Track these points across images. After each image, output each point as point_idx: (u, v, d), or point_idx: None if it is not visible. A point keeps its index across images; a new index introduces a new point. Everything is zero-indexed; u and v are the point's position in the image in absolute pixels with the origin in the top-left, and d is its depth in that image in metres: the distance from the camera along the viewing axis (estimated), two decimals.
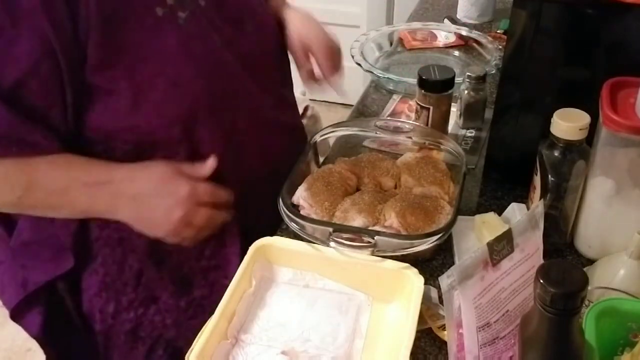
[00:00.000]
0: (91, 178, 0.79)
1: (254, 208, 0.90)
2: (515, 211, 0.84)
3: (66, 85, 0.74)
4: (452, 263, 0.82)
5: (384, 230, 0.80)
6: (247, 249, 0.90)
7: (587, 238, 0.81)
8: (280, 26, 1.01)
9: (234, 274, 0.89)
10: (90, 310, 0.90)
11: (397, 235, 0.78)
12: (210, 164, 0.83)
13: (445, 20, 1.53)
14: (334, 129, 0.97)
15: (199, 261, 0.90)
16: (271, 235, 0.80)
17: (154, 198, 0.80)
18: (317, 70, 1.03)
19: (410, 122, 0.99)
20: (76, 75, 0.74)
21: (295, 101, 1.07)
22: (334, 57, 1.02)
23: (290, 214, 0.79)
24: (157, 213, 0.80)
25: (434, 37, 1.45)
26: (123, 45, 0.74)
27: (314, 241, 0.77)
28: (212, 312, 0.76)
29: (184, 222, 0.80)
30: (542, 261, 0.62)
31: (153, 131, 0.80)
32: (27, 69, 0.71)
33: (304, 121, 2.07)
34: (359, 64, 1.28)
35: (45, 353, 0.95)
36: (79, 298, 0.91)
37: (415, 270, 0.72)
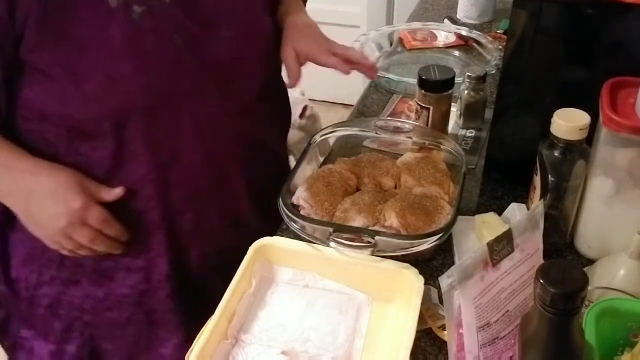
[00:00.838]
0: None
1: (192, 209, 0.90)
2: (515, 211, 0.84)
3: None
4: (452, 263, 0.82)
5: (384, 230, 0.80)
6: (178, 253, 0.90)
7: (587, 238, 0.81)
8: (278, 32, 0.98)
9: (159, 277, 0.90)
10: (17, 276, 0.92)
11: (397, 235, 0.77)
12: (116, 192, 0.83)
13: (445, 20, 1.53)
14: (334, 129, 0.97)
15: (123, 257, 0.89)
16: (272, 235, 0.80)
17: (46, 199, 0.80)
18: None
19: (410, 122, 0.99)
20: (8, 52, 0.73)
21: (274, 114, 1.02)
22: (331, 48, 0.97)
23: (290, 214, 0.79)
24: (43, 214, 0.81)
25: (434, 37, 1.45)
26: (64, 32, 0.73)
27: (314, 241, 0.77)
28: (131, 311, 0.76)
29: (64, 233, 0.81)
30: (542, 261, 0.62)
31: (84, 121, 0.79)
32: None
33: (303, 121, 2.07)
34: None
35: None
36: (9, 261, 0.92)
37: (415, 270, 0.72)
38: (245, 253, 0.96)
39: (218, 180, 0.90)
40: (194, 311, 0.95)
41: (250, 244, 0.93)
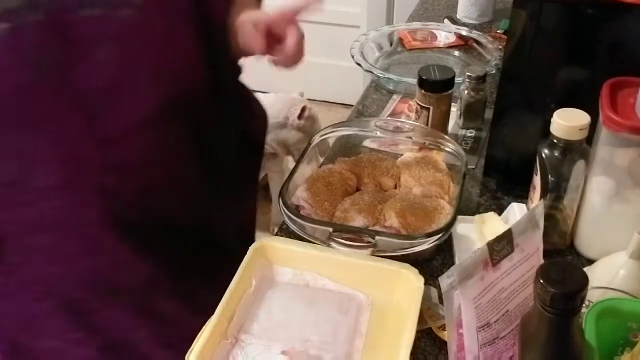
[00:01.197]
0: None
1: (45, 230, 0.86)
2: (515, 211, 0.84)
3: None
4: (452, 263, 0.82)
5: (384, 230, 0.80)
6: (36, 268, 0.88)
7: (587, 238, 0.81)
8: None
9: (18, 283, 0.88)
10: None
11: (397, 235, 0.78)
12: None
13: (445, 20, 1.53)
14: (334, 129, 0.97)
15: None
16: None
17: None
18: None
19: (410, 122, 0.99)
20: None
21: (183, 132, 0.89)
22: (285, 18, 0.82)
23: (290, 214, 0.79)
24: None
25: (434, 37, 1.45)
26: None
27: (314, 241, 0.77)
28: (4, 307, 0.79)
29: None
30: (542, 261, 0.62)
31: None
32: None
33: (302, 122, 2.07)
34: (359, 64, 1.28)
35: None
36: None
37: (415, 270, 0.72)
38: (114, 278, 0.92)
39: (76, 206, 0.85)
40: (72, 316, 0.92)
41: (120, 270, 0.90)
